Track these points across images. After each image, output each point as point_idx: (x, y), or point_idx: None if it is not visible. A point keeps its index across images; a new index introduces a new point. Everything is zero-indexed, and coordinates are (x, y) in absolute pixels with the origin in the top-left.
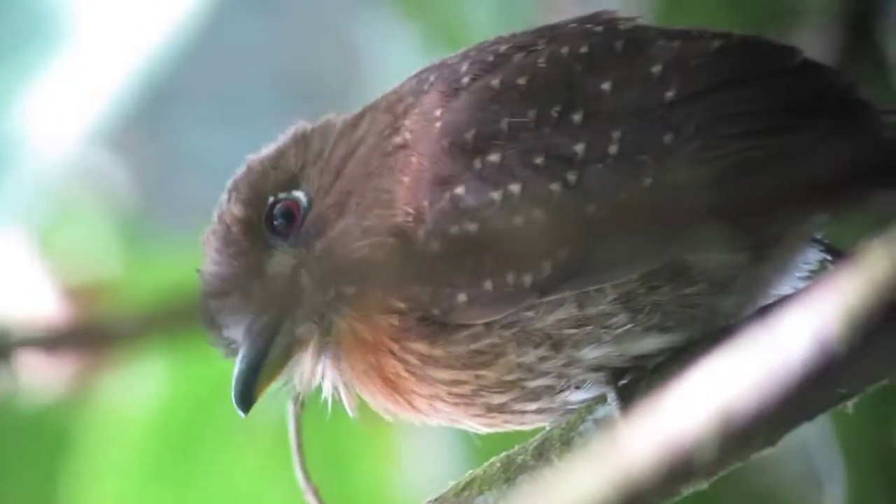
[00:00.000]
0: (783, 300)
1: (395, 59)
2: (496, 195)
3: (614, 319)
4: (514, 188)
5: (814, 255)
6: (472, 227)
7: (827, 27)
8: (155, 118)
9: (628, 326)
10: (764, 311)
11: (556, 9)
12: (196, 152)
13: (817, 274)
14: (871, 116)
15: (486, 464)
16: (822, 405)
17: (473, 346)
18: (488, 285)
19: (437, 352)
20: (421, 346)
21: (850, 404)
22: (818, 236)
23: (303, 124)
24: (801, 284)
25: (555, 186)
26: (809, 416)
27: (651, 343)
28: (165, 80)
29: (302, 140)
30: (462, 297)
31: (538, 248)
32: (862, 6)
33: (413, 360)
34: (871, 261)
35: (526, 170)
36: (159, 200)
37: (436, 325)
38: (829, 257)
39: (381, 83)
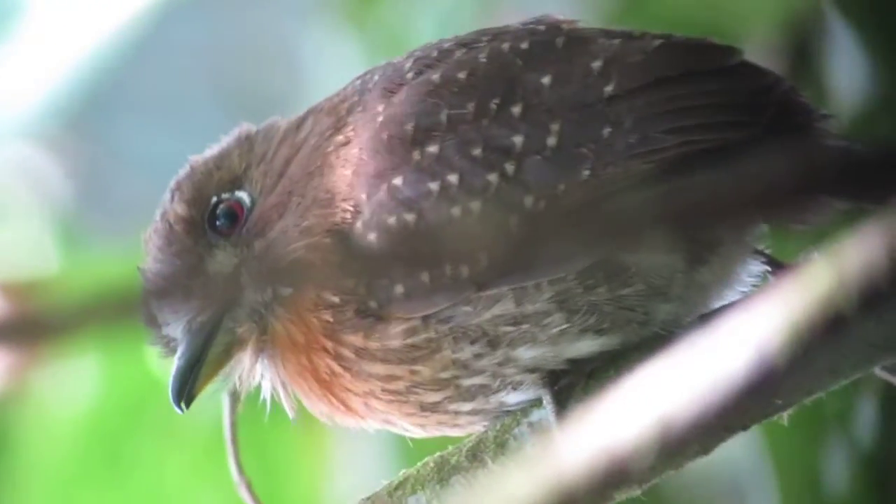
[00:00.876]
0: (724, 309)
1: (337, 67)
2: (434, 185)
3: (550, 319)
4: (452, 178)
5: (756, 269)
6: (410, 217)
7: (768, 57)
8: (94, 119)
9: (564, 326)
10: (705, 319)
11: (497, 20)
12: (134, 154)
13: (759, 286)
14: (812, 119)
15: (419, 464)
16: (758, 415)
17: (409, 341)
18: (425, 277)
19: (373, 344)
20: (356, 339)
21: (785, 416)
22: (760, 248)
23: (247, 126)
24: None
25: (492, 177)
26: (745, 426)
27: (586, 345)
28: (106, 82)
29: (246, 142)
30: (399, 289)
31: (475, 239)
32: (802, 37)
33: (348, 353)
34: (813, 275)
35: (464, 160)
36: (96, 201)
37: (372, 318)
38: (770, 269)
39: (322, 91)
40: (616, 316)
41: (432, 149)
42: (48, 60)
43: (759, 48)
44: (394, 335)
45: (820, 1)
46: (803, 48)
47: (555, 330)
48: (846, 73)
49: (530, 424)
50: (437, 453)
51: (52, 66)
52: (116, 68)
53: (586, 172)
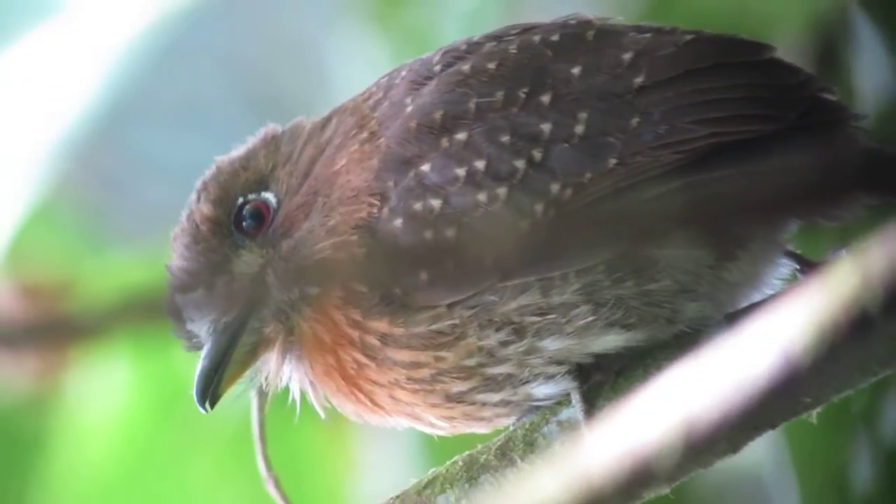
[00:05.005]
0: (750, 309)
1: (362, 70)
2: (461, 171)
3: (577, 311)
4: (479, 164)
5: (786, 270)
6: (436, 203)
7: (794, 59)
8: (119, 124)
9: (590, 319)
10: (731, 318)
11: (522, 21)
12: (158, 158)
13: (786, 285)
14: (843, 118)
15: (448, 462)
16: (787, 414)
17: (434, 326)
18: (449, 264)
19: (398, 330)
20: (381, 325)
21: (814, 414)
22: (789, 247)
23: (273, 127)
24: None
25: (519, 163)
26: (773, 425)
27: (612, 340)
28: (131, 87)
29: (272, 142)
30: (423, 276)
31: (501, 228)
32: (828, 38)
33: (373, 341)
34: (839, 275)
35: (491, 147)
36: (122, 205)
37: (397, 305)
38: (799, 268)
39: (348, 94)
40: (643, 312)
41: (460, 136)
42: (73, 68)
43: (785, 50)
44: (419, 321)
45: (845, 2)
46: (829, 49)
47: (581, 322)
48: (871, 74)
49: (559, 423)
50: (466, 452)
51: (77, 73)
52: (141, 74)
53: (613, 161)
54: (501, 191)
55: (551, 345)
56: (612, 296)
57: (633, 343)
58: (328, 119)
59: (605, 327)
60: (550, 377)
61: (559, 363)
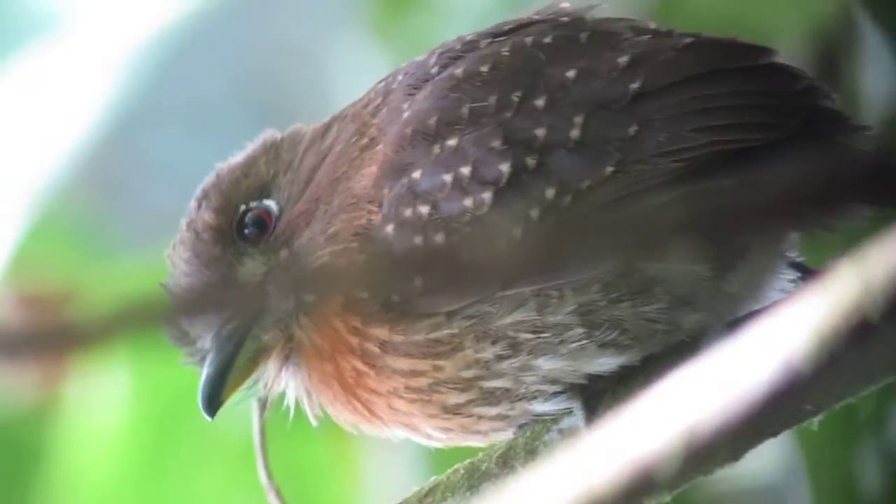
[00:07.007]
0: (751, 316)
1: (365, 77)
2: (447, 177)
3: (570, 333)
4: (465, 170)
5: (788, 282)
6: (425, 209)
7: (797, 65)
8: (123, 129)
9: (584, 342)
10: (731, 326)
11: None
12: (164, 164)
13: (788, 292)
14: (844, 127)
15: (449, 470)
16: (788, 421)
17: (433, 335)
18: (444, 270)
19: (397, 338)
20: (381, 332)
21: (815, 421)
22: (791, 255)
23: (271, 133)
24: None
25: (505, 167)
26: (774, 432)
27: (606, 363)
28: (135, 92)
29: (272, 149)
30: (419, 282)
31: (500, 236)
32: (831, 45)
33: (373, 348)
34: (839, 281)
35: (480, 152)
36: (125, 210)
37: (397, 313)
38: (801, 277)
39: (349, 100)
40: (638, 330)
41: (451, 142)
42: (79, 76)
43: (786, 57)
44: (418, 329)
45: (849, 9)
46: (832, 57)
47: (574, 345)
48: (877, 81)
49: (560, 431)
50: (468, 460)
51: (83, 81)
52: (146, 80)
53: (610, 168)
54: (487, 196)
55: (545, 364)
56: (607, 317)
57: (628, 363)
58: (329, 126)
59: (598, 349)
60: (550, 396)
61: (553, 382)
